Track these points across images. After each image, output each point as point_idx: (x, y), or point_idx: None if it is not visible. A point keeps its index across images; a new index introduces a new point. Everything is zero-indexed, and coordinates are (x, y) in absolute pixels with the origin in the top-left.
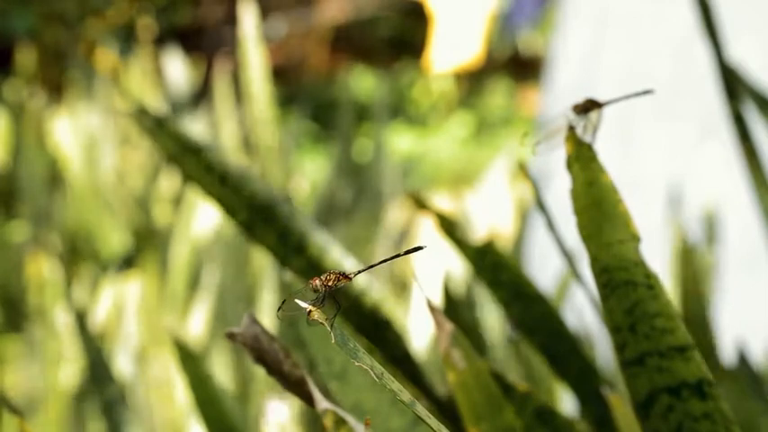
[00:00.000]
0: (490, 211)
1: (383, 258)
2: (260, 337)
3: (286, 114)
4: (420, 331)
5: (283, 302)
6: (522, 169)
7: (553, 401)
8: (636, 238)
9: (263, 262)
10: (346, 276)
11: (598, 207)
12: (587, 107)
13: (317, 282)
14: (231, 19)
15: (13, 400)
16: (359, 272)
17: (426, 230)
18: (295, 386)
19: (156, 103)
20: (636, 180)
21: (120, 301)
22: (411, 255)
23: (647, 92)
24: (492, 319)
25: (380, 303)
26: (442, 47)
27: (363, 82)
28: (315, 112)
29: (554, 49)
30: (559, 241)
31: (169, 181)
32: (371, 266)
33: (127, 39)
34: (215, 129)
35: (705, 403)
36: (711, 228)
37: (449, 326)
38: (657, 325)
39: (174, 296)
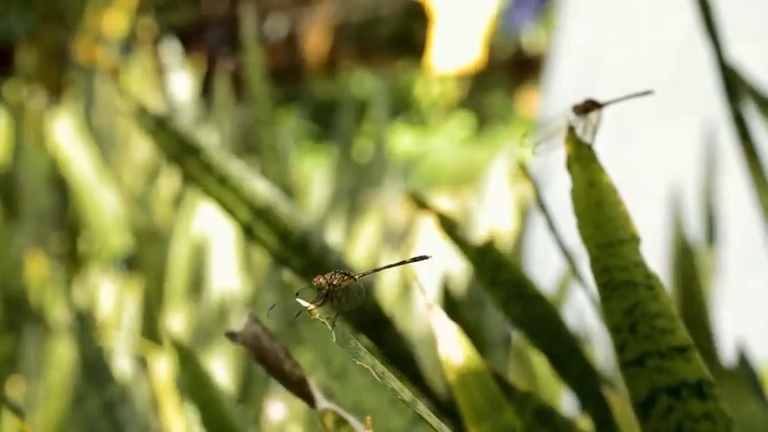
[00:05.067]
0: (490, 211)
1: (388, 264)
2: (260, 337)
3: (286, 114)
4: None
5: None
6: (522, 169)
7: (553, 401)
8: (636, 239)
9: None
10: (351, 276)
11: (598, 207)
12: (587, 107)
13: (322, 280)
14: (231, 19)
15: (13, 400)
16: (363, 274)
17: (426, 230)
18: (295, 386)
19: (156, 103)
20: (636, 180)
21: (120, 301)
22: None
23: (647, 92)
24: (492, 319)
25: (381, 303)
26: (443, 47)
27: (364, 82)
28: (315, 112)
29: (554, 48)
30: (559, 241)
31: (169, 181)
32: (376, 270)
33: (127, 39)
34: (215, 129)
35: (705, 404)
36: (711, 228)
37: (449, 326)
38: (657, 325)
39: (173, 296)
